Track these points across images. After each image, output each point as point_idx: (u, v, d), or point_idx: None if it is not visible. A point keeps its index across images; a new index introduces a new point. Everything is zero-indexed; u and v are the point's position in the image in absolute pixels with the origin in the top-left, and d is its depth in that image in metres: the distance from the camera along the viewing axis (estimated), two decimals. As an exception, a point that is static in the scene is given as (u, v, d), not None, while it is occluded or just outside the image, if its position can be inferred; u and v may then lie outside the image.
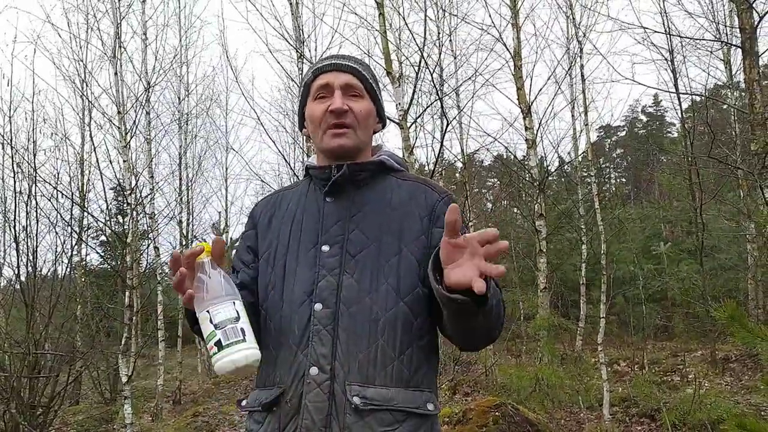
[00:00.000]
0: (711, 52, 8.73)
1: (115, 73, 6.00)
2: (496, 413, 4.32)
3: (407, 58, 6.53)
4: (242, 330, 0.98)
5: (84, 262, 9.68)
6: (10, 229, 5.73)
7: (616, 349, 9.19)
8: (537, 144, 6.87)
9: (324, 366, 1.08)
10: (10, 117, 5.64)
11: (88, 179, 8.17)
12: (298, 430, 1.06)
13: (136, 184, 6.24)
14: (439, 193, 1.23)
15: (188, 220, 11.04)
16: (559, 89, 7.46)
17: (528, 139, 6.70)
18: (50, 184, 6.01)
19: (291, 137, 9.58)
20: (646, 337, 9.23)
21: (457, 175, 14.60)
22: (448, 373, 7.74)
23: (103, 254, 11.38)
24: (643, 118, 31.52)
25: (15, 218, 5.56)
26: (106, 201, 7.46)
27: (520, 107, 6.70)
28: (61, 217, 6.15)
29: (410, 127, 4.83)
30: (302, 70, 6.46)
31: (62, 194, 6.02)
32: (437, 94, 6.89)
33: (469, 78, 8.35)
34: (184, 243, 10.34)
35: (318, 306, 1.12)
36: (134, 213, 6.04)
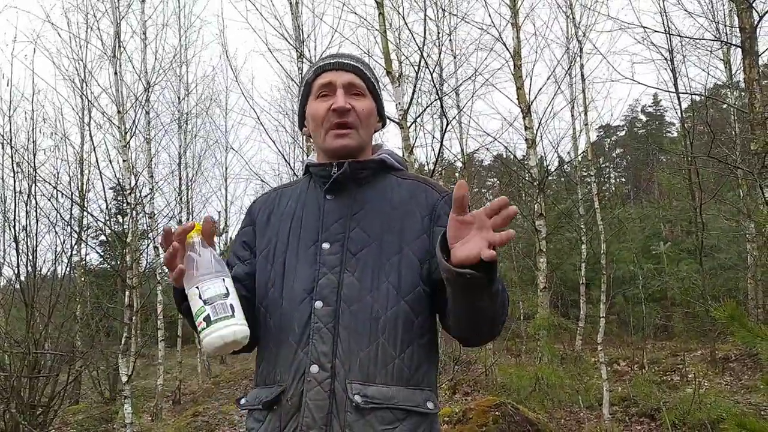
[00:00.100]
0: (711, 51, 8.74)
1: (115, 73, 6.00)
2: (496, 413, 4.32)
3: (407, 58, 6.53)
4: (231, 306, 0.97)
5: (84, 262, 9.69)
6: (9, 229, 5.73)
7: (615, 349, 9.19)
8: (537, 144, 6.87)
9: (325, 364, 1.08)
10: (9, 117, 5.65)
11: (88, 179, 8.19)
12: (299, 428, 1.06)
13: (136, 183, 6.24)
14: (440, 192, 1.23)
15: (188, 219, 11.03)
16: (559, 89, 7.47)
17: (528, 138, 6.70)
18: (50, 183, 6.02)
19: (291, 137, 9.61)
20: (646, 337, 9.23)
21: (457, 174, 14.61)
22: (448, 372, 7.75)
23: (102, 254, 11.40)
24: (643, 117, 31.53)
25: (15, 218, 5.56)
26: (105, 201, 7.47)
27: (520, 107, 6.70)
28: (61, 216, 6.16)
29: (410, 126, 4.83)
30: (302, 70, 6.47)
31: (62, 194, 6.03)
32: (437, 94, 6.89)
33: (469, 78, 8.37)
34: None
35: (318, 304, 1.12)
36: (134, 213, 6.04)
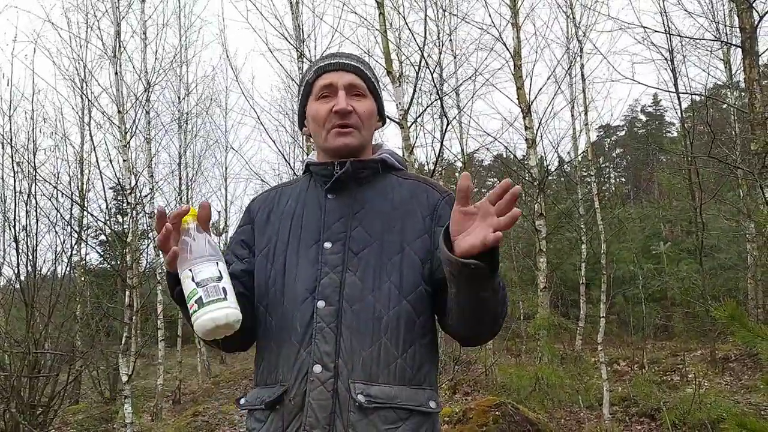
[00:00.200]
0: (711, 51, 8.75)
1: (116, 73, 6.00)
2: (496, 413, 4.32)
3: (407, 58, 6.52)
4: (224, 289, 0.96)
5: (84, 262, 9.69)
6: (9, 229, 5.73)
7: (615, 349, 9.19)
8: (537, 144, 6.88)
9: (328, 364, 1.08)
10: (10, 116, 5.64)
11: (88, 179, 8.19)
12: (302, 428, 1.06)
13: (136, 183, 6.23)
14: (441, 192, 1.24)
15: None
16: (559, 89, 7.47)
17: (528, 138, 6.70)
18: (50, 183, 6.02)
19: (291, 136, 9.60)
20: (646, 337, 9.23)
21: (457, 174, 14.61)
22: (448, 372, 7.74)
23: (102, 254, 11.40)
24: (643, 117, 31.52)
25: (15, 218, 5.55)
26: (105, 200, 7.47)
27: (520, 107, 6.70)
28: (61, 216, 6.16)
29: (410, 126, 4.83)
30: (302, 70, 6.47)
31: (62, 194, 6.03)
32: (437, 94, 6.89)
33: (469, 78, 8.36)
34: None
35: (321, 303, 1.12)
36: (134, 212, 6.04)
